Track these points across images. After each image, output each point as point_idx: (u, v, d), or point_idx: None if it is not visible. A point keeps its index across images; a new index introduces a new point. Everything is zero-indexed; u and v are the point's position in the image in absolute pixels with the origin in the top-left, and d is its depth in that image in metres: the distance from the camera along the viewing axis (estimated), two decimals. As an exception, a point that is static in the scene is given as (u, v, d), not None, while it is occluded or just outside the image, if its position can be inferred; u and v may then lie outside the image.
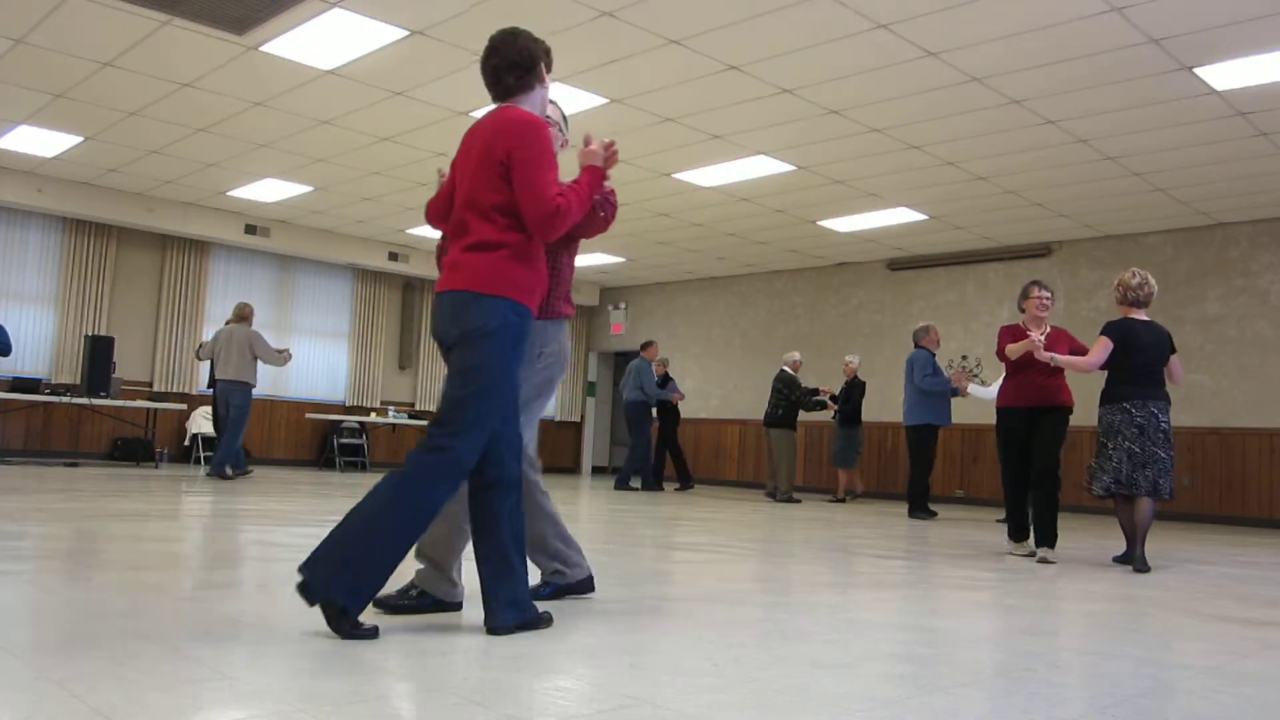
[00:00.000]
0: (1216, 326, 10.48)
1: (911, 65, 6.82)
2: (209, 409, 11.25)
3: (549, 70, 2.92)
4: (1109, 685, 2.39)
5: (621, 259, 14.15)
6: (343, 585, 2.41)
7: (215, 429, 9.99)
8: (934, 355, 9.53)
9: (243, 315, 9.93)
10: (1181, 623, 3.47)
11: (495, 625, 2.59)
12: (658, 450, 12.14)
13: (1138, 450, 5.25)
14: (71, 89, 8.17)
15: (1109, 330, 5.43)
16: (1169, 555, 6.17)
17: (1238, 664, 2.74)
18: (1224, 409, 10.33)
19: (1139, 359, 5.37)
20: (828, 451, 11.97)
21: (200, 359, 10.36)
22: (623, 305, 16.61)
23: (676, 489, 12.11)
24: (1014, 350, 5.63)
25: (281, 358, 9.98)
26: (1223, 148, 8.15)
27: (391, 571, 2.50)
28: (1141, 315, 5.49)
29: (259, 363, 9.84)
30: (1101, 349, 5.38)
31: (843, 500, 11.16)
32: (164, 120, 8.91)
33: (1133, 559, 5.24)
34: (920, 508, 9.15)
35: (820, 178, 9.59)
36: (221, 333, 9.86)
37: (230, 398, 9.62)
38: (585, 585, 3.32)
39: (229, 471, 9.43)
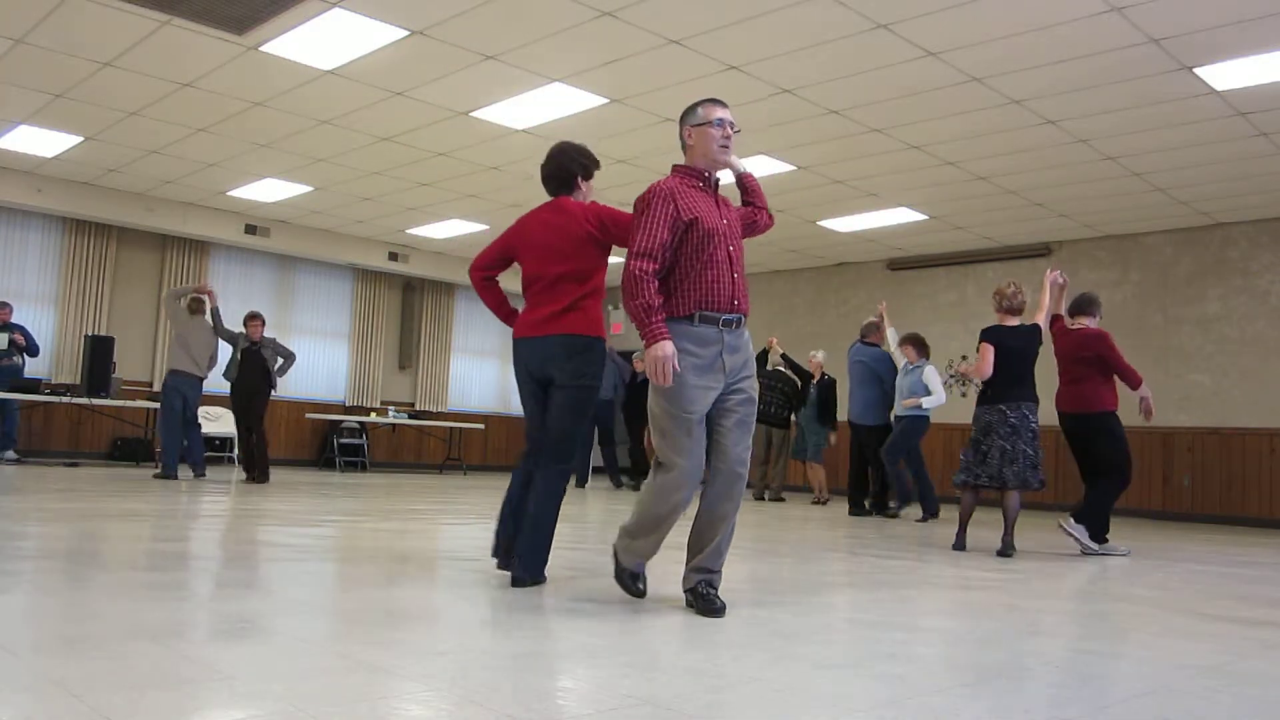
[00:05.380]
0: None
1: (911, 65, 6.82)
2: (210, 409, 11.20)
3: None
4: (1109, 685, 2.39)
5: (621, 259, 14.12)
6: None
7: (170, 426, 8.94)
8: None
9: (203, 307, 9.16)
10: (1181, 623, 3.47)
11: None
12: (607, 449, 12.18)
13: (1008, 448, 5.70)
14: (71, 89, 8.17)
15: (986, 337, 6.00)
16: (1169, 555, 6.17)
17: (1238, 664, 2.73)
18: (1224, 409, 10.33)
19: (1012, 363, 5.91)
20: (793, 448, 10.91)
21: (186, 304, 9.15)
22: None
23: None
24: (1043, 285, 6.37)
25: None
26: (1223, 148, 8.14)
27: None
28: (1014, 321, 6.03)
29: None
30: (989, 355, 5.92)
31: (824, 502, 10.43)
32: (164, 120, 8.91)
33: (1003, 545, 5.66)
34: (879, 505, 9.00)
35: (820, 178, 9.59)
36: (186, 322, 9.09)
37: (192, 393, 8.96)
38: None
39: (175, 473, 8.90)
